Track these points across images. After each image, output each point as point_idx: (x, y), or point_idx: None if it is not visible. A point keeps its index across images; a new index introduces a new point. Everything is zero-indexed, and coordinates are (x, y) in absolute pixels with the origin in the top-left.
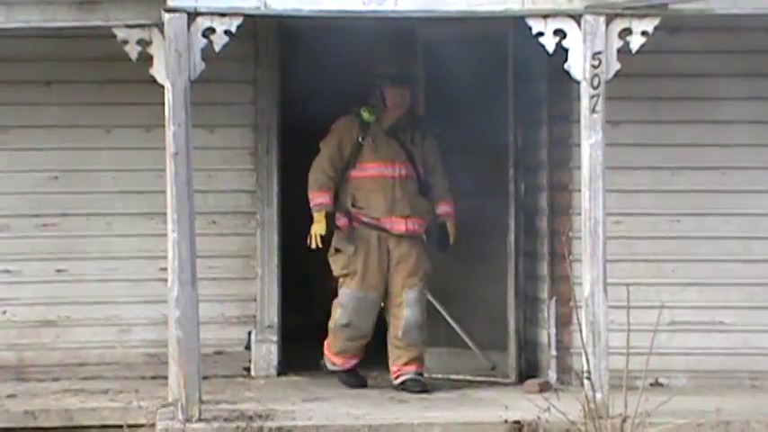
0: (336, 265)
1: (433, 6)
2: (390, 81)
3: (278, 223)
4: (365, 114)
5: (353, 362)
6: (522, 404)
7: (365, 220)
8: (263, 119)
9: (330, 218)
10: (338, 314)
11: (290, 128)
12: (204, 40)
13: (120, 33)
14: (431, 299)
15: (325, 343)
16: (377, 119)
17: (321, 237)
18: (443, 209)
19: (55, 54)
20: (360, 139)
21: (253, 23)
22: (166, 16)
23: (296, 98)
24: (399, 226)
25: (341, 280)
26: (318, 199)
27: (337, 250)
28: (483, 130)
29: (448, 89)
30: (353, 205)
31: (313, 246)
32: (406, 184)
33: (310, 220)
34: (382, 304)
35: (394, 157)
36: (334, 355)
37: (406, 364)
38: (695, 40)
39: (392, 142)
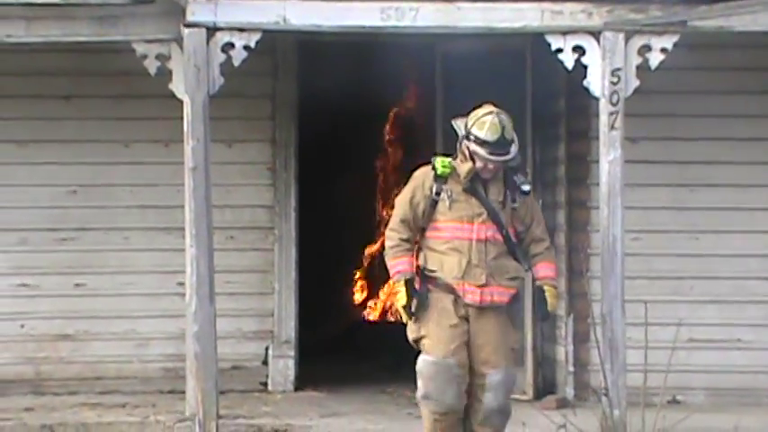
0: (409, 329)
1: (452, 22)
2: (487, 150)
3: (296, 238)
4: (439, 167)
5: None
6: (540, 421)
7: (440, 282)
8: (281, 134)
9: (411, 285)
10: (418, 385)
11: (308, 142)
12: (223, 55)
13: (140, 48)
14: None
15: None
16: (454, 171)
17: (404, 307)
18: (542, 272)
19: (74, 69)
20: (434, 195)
21: (271, 38)
22: (186, 31)
23: (315, 112)
24: (473, 296)
25: (417, 346)
26: (397, 267)
27: (411, 313)
28: None
29: (466, 104)
30: (426, 268)
31: (404, 319)
32: (485, 247)
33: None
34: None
35: (472, 216)
36: None
37: None
38: (714, 57)
39: (471, 199)
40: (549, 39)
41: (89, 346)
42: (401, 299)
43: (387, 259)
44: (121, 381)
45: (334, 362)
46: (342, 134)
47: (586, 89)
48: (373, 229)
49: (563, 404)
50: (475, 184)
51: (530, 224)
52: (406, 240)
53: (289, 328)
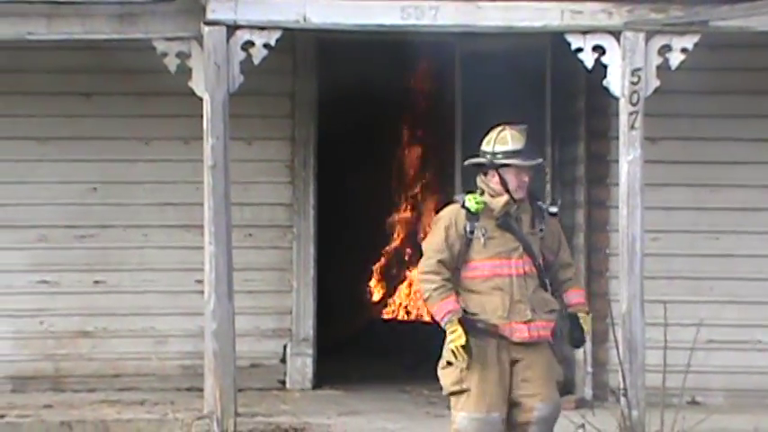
0: (447, 379)
1: (472, 21)
2: (521, 158)
3: (314, 236)
4: (472, 204)
5: None
6: (559, 420)
7: (480, 326)
8: (300, 132)
9: (463, 323)
10: None
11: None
12: (243, 54)
13: (160, 46)
14: None
15: None
16: (486, 207)
17: (464, 347)
18: (574, 299)
19: (94, 66)
20: (468, 233)
21: (291, 36)
22: (206, 29)
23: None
24: (521, 333)
25: (453, 399)
26: (445, 307)
27: (448, 363)
28: None
29: (485, 103)
30: (465, 311)
31: (462, 363)
32: (525, 281)
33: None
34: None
35: (509, 251)
36: None
37: None
38: (734, 57)
39: (505, 234)
40: (570, 38)
41: (108, 343)
42: (459, 338)
43: (430, 303)
44: (140, 378)
45: (352, 360)
46: (361, 132)
47: (606, 89)
48: (391, 228)
49: (581, 404)
50: (508, 218)
51: (557, 250)
52: (448, 280)
53: (307, 326)
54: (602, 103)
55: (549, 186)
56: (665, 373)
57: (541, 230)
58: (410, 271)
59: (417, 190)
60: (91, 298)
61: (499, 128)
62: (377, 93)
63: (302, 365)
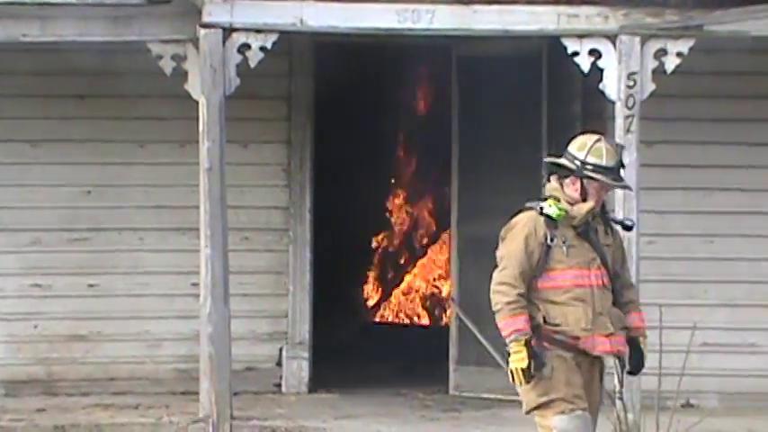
0: (531, 394)
1: (468, 25)
2: (611, 177)
3: (310, 240)
4: (555, 210)
5: None
6: None
7: (559, 338)
8: (296, 135)
9: (530, 345)
10: None
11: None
12: (239, 56)
13: (155, 48)
14: (462, 317)
15: None
16: (567, 215)
17: (525, 370)
18: (635, 322)
19: (89, 68)
20: (549, 241)
21: (287, 39)
22: (202, 32)
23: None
24: (603, 346)
25: (540, 412)
26: (515, 325)
27: (527, 378)
28: (516, 149)
29: (481, 107)
30: (546, 322)
31: (518, 385)
32: (604, 293)
33: None
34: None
35: (588, 261)
36: None
37: None
38: (729, 61)
39: (584, 243)
40: (566, 42)
41: (102, 346)
42: (521, 361)
43: (500, 316)
44: (134, 382)
45: (347, 364)
46: (357, 135)
47: (602, 92)
48: (385, 231)
49: None
50: (587, 227)
51: (621, 266)
52: (522, 296)
53: (303, 329)
54: (598, 106)
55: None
56: (661, 376)
57: (614, 241)
58: (407, 274)
59: (414, 193)
60: (85, 301)
61: (594, 137)
62: (373, 95)
63: (298, 369)
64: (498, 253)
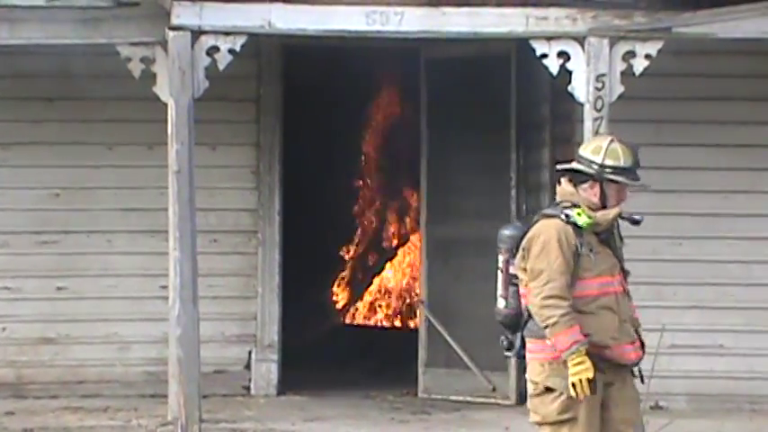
0: (547, 408)
1: (437, 27)
2: (630, 177)
3: (279, 242)
4: (585, 219)
5: None
6: (523, 426)
7: (590, 350)
8: (265, 137)
9: (590, 354)
10: None
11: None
12: (208, 59)
13: (124, 51)
14: (431, 319)
15: None
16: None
17: (589, 380)
18: (635, 314)
19: (57, 71)
20: (579, 250)
21: (256, 42)
22: (170, 34)
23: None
24: (629, 354)
25: (551, 428)
26: (573, 336)
27: (548, 389)
28: (485, 151)
29: (450, 109)
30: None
31: (581, 396)
32: (625, 300)
33: None
34: None
35: (611, 267)
36: None
37: None
38: (698, 63)
39: (606, 249)
40: (534, 44)
41: (71, 349)
42: (588, 371)
43: (557, 330)
44: (103, 385)
45: (317, 366)
46: (325, 137)
47: (571, 95)
48: (354, 233)
49: None
50: (607, 233)
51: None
52: (572, 307)
53: (272, 332)
54: (567, 108)
55: (513, 192)
56: None
57: (621, 245)
58: (377, 276)
59: (383, 194)
60: (53, 304)
61: (607, 138)
62: (342, 98)
63: (267, 371)
64: (530, 266)
